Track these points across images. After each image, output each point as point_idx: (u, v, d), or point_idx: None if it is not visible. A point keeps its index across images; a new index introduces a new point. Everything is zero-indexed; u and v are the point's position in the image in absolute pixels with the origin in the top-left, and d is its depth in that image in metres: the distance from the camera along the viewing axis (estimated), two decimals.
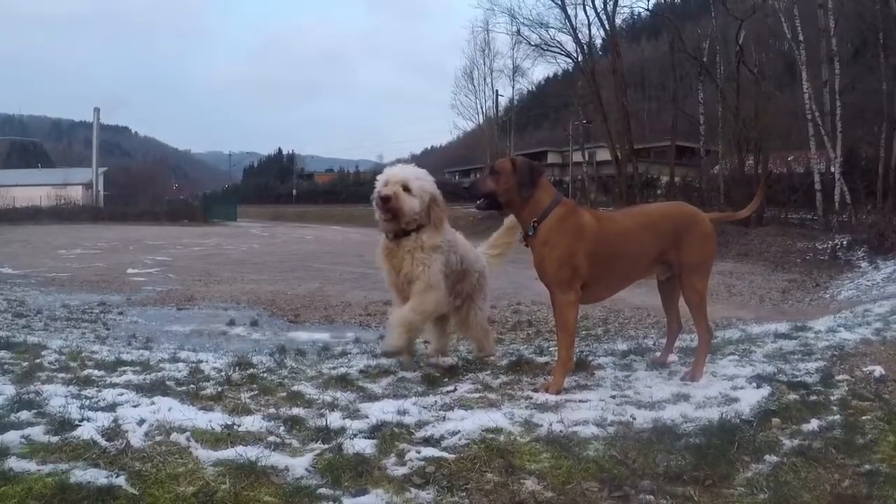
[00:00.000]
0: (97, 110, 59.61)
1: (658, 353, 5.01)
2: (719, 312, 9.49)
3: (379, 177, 4.77)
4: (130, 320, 9.55)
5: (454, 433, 3.15)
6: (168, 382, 4.29)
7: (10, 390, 3.94)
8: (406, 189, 4.52)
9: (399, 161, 7.02)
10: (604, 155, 40.90)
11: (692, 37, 32.61)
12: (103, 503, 2.49)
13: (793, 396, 3.80)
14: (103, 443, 3.06)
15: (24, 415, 3.46)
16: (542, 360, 5.02)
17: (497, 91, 50.21)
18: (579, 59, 34.83)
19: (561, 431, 3.22)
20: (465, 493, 2.59)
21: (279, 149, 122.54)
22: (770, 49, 29.86)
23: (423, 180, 4.66)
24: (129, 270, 16.59)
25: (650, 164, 41.00)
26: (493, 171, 4.23)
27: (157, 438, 3.10)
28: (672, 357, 4.91)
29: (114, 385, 4.20)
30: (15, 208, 48.92)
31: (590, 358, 5.00)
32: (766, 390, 3.92)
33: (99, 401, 3.78)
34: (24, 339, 5.95)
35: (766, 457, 2.94)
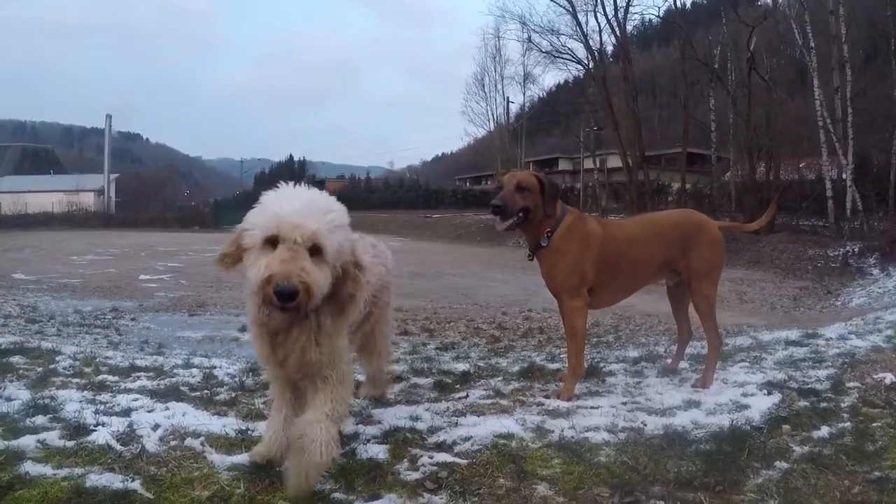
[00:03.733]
0: (109, 117, 60.13)
1: (669, 360, 5.02)
2: (730, 319, 9.49)
3: (255, 219, 2.59)
4: (143, 326, 9.60)
5: (466, 439, 3.18)
6: (182, 388, 4.33)
7: (25, 395, 3.99)
8: (316, 251, 2.53)
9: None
10: (615, 162, 40.81)
11: (703, 43, 32.58)
12: None
13: (803, 403, 3.81)
14: (118, 447, 3.11)
15: (40, 420, 3.51)
16: (553, 366, 5.04)
17: (508, 98, 50.30)
18: (590, 66, 34.88)
19: (572, 437, 3.25)
20: (477, 499, 2.61)
21: (290, 155, 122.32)
22: (781, 55, 29.83)
23: (339, 228, 2.65)
24: (141, 276, 16.69)
25: (661, 171, 40.90)
26: (520, 188, 4.19)
27: (172, 443, 3.14)
28: (683, 364, 4.92)
29: (128, 390, 4.24)
30: (27, 214, 49.28)
31: (601, 365, 5.02)
32: (776, 397, 3.93)
33: (113, 406, 3.83)
34: (37, 344, 5.99)
35: (777, 463, 2.95)
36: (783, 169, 27.02)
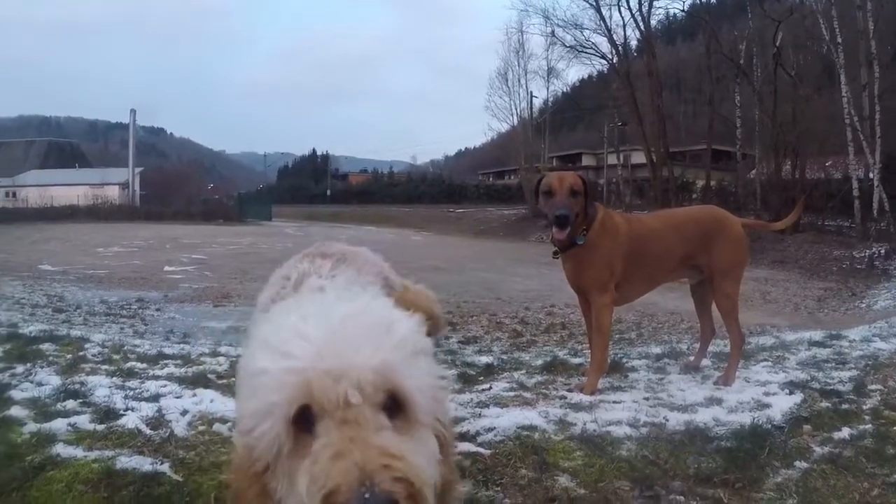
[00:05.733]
0: (133, 112, 60.48)
1: (691, 358, 5.02)
2: (754, 319, 9.44)
3: (262, 391, 1.33)
4: (168, 316, 9.69)
5: (490, 429, 3.23)
6: (209, 375, 4.40)
7: (55, 381, 4.10)
8: (395, 410, 1.34)
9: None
10: (639, 158, 40.61)
11: (728, 38, 32.25)
12: (148, 489, 2.60)
13: (825, 404, 3.82)
14: (147, 431, 3.20)
15: (70, 404, 3.62)
16: (576, 361, 5.07)
17: (531, 92, 49.97)
18: (614, 61, 34.69)
19: (594, 431, 3.29)
20: (499, 488, 2.66)
21: (313, 149, 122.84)
22: (808, 51, 29.46)
23: (420, 354, 1.42)
24: (166, 268, 16.81)
25: (686, 168, 40.62)
26: (573, 193, 4.18)
27: (200, 428, 3.21)
28: (705, 362, 4.94)
29: (156, 377, 4.33)
30: (53, 207, 49.69)
31: (624, 360, 5.04)
32: (798, 397, 3.94)
33: (142, 392, 3.92)
34: (66, 332, 6.10)
35: (797, 463, 2.97)
36: (809, 167, 26.70)
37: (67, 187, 56.22)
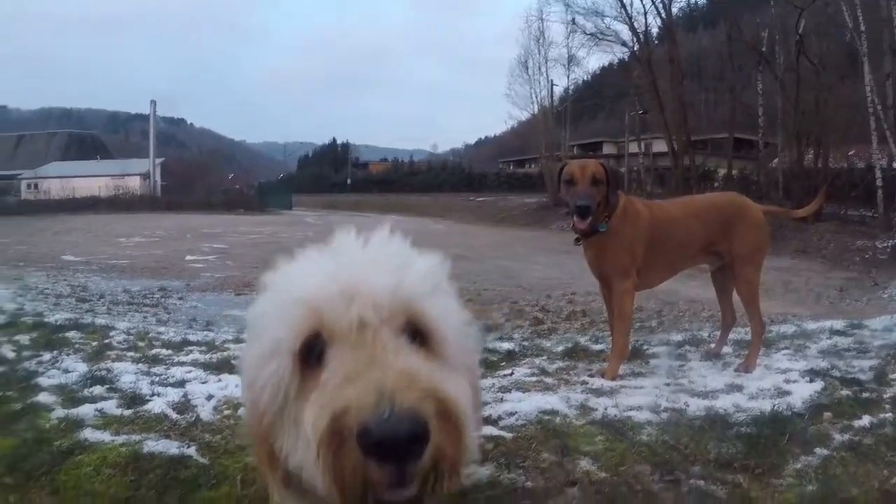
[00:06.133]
0: (154, 103, 60.89)
1: (712, 345, 5.03)
2: (775, 309, 9.39)
3: (272, 315, 1.21)
4: (190, 305, 9.78)
5: (511, 414, 3.26)
6: (233, 361, 4.44)
7: (82, 367, 4.19)
8: (420, 339, 1.17)
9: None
10: (660, 146, 40.22)
11: (751, 26, 31.85)
12: (175, 471, 2.66)
13: (845, 392, 3.81)
14: (174, 416, 3.26)
15: (97, 390, 3.71)
16: (597, 347, 5.09)
17: (552, 81, 49.72)
18: (635, 49, 34.41)
19: (615, 416, 3.32)
20: (521, 471, 2.70)
21: (333, 138, 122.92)
22: (831, 39, 29.11)
23: (443, 292, 1.25)
24: (188, 257, 16.94)
25: (707, 157, 40.25)
26: (595, 181, 4.21)
27: (226, 412, 3.27)
28: (726, 349, 4.94)
29: (181, 363, 4.41)
30: (75, 198, 50.05)
31: (645, 347, 5.05)
32: (818, 385, 3.94)
33: (168, 378, 3.99)
34: (91, 320, 6.20)
35: (817, 450, 2.97)
36: (832, 156, 26.43)
37: (89, 178, 56.60)
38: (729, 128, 32.49)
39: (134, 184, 58.03)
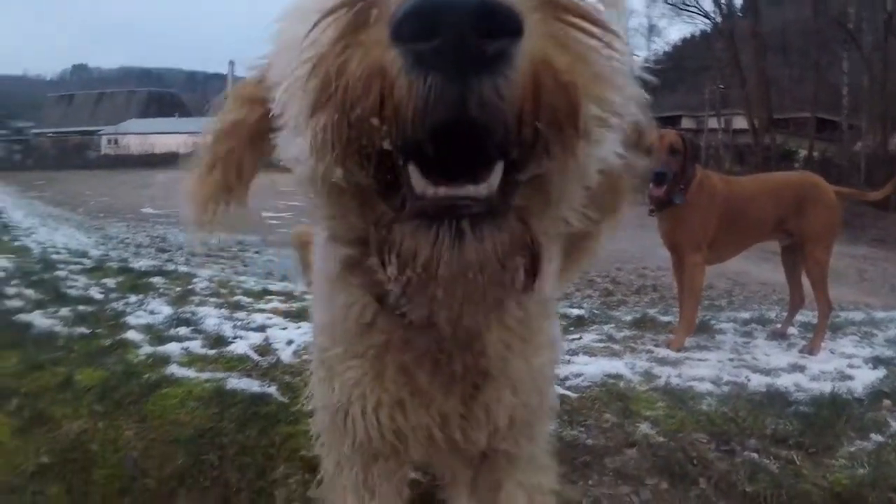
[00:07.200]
0: (232, 63, 61.74)
1: (779, 325, 5.03)
2: (847, 297, 9.23)
3: None
4: (266, 259, 10.09)
5: (578, 375, 3.37)
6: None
7: (167, 310, 4.45)
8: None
9: None
10: (740, 123, 39.19)
11: (837, 0, 30.73)
12: (256, 407, 2.85)
13: None
14: (255, 357, 3.48)
15: (182, 330, 3.95)
16: (665, 318, 5.15)
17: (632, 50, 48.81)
18: (718, 21, 33.54)
19: (678, 385, 3.40)
20: (584, 429, 2.81)
21: None
22: None
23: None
24: (263, 213, 17.28)
25: (789, 136, 39.08)
26: (673, 151, 4.26)
27: (304, 357, 3.44)
28: (792, 330, 4.95)
29: (261, 311, 4.62)
30: (154, 154, 51.41)
31: (712, 322, 5.10)
32: (881, 372, 3.92)
33: (249, 323, 4.22)
34: (175, 268, 6.49)
35: (872, 435, 2.98)
36: None
37: (167, 135, 57.83)
38: (812, 107, 31.41)
39: None
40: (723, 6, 32.62)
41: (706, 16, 35.08)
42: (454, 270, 0.70)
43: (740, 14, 35.60)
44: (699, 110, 54.44)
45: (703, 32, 45.95)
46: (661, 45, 59.02)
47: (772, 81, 33.68)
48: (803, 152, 33.54)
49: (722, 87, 43.20)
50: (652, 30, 46.38)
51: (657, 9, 41.68)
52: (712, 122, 47.86)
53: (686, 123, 59.55)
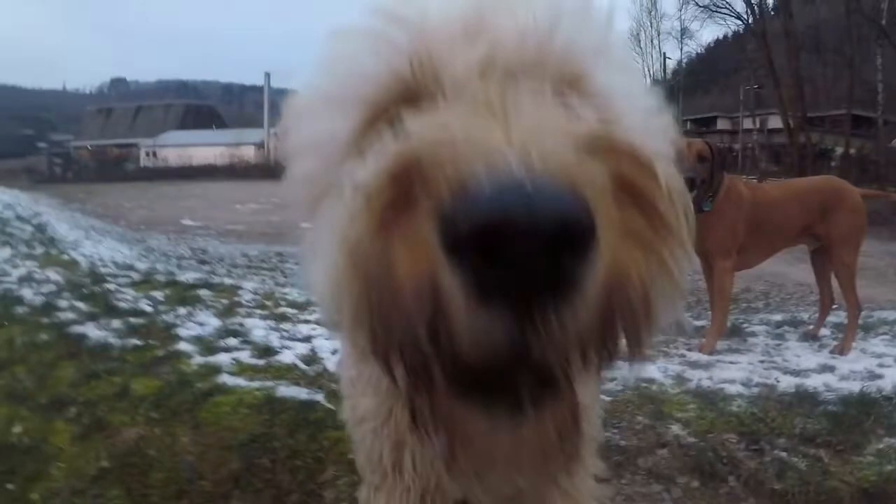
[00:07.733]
0: (268, 75, 62.42)
1: (811, 326, 5.10)
2: (885, 295, 9.13)
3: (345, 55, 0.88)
4: None
5: (611, 379, 3.47)
6: None
7: (215, 322, 4.59)
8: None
9: None
10: (775, 122, 38.67)
11: None
12: (305, 413, 2.99)
13: None
14: (303, 366, 3.63)
15: (232, 341, 4.11)
16: (698, 323, 5.21)
17: (665, 53, 48.55)
18: (749, 21, 33.25)
19: (709, 387, 3.51)
20: (617, 431, 2.93)
21: None
22: None
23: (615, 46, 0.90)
24: (304, 224, 17.43)
25: (824, 134, 38.52)
26: (701, 159, 4.35)
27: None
28: (824, 331, 5.01)
29: (306, 322, 4.77)
30: (191, 166, 51.89)
31: (744, 325, 5.18)
32: None
33: (295, 334, 4.38)
34: (220, 280, 6.66)
35: None
36: None
37: (205, 147, 58.34)
38: (847, 104, 30.98)
39: (249, 153, 59.40)
40: (754, 6, 32.26)
41: (738, 17, 34.80)
42: (512, 456, 0.65)
43: (772, 13, 35.21)
44: (734, 111, 53.91)
45: (736, 33, 45.47)
46: (693, 48, 58.65)
47: (806, 80, 33.22)
48: (839, 150, 33.03)
49: (756, 87, 42.75)
50: (684, 32, 45.98)
51: (689, 11, 41.35)
52: (747, 123, 47.31)
53: (721, 124, 59.05)
